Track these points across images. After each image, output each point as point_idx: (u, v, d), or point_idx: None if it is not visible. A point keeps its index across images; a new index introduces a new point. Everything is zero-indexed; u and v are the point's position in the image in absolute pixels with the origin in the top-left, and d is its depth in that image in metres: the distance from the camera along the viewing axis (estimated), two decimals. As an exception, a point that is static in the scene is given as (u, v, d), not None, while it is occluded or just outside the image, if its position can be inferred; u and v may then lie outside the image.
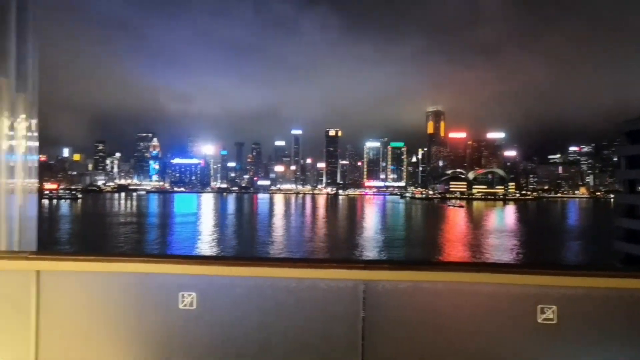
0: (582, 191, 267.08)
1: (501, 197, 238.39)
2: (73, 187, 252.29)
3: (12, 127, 4.04)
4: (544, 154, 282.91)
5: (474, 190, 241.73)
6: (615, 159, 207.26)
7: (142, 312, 2.01)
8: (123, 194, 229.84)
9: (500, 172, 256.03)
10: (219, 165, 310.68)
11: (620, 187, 44.91)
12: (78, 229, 75.75)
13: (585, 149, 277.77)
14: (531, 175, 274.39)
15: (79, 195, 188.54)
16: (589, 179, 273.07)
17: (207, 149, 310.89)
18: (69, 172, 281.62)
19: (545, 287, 1.71)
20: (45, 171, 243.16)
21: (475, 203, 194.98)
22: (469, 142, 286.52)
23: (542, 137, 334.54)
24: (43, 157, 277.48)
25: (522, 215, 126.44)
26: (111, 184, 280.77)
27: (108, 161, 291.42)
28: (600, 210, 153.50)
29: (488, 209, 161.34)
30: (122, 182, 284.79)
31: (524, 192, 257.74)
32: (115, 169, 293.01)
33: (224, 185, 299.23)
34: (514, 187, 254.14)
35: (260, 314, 1.91)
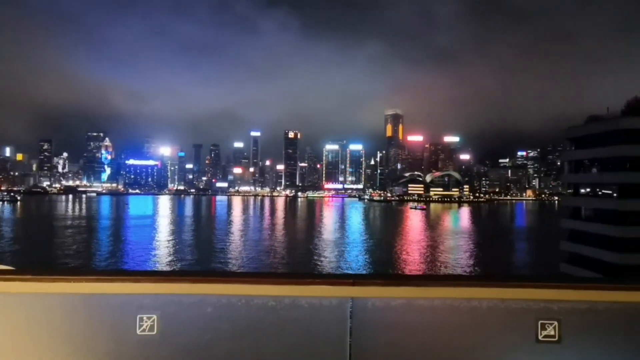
0: (529, 194, 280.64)
1: (456, 199, 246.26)
2: (15, 188, 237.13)
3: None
4: (496, 158, 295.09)
5: (431, 193, 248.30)
6: (559, 163, 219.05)
7: (92, 340, 1.73)
8: (71, 196, 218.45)
9: (456, 175, 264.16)
10: (176, 167, 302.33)
11: (565, 190, 47.29)
12: (15, 237, 70.17)
13: (532, 153, 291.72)
14: (484, 178, 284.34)
15: (19, 198, 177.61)
16: (535, 182, 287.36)
17: (164, 150, 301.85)
18: (11, 173, 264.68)
19: (546, 302, 1.67)
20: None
21: (432, 205, 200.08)
22: (427, 146, 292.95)
23: (494, 141, 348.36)
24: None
25: (476, 218, 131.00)
26: (58, 185, 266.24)
27: (55, 161, 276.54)
28: (546, 212, 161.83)
29: (445, 211, 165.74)
30: (70, 183, 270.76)
31: (477, 194, 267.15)
32: (61, 169, 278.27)
33: (182, 187, 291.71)
34: (468, 189, 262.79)
35: (234, 337, 1.72)
